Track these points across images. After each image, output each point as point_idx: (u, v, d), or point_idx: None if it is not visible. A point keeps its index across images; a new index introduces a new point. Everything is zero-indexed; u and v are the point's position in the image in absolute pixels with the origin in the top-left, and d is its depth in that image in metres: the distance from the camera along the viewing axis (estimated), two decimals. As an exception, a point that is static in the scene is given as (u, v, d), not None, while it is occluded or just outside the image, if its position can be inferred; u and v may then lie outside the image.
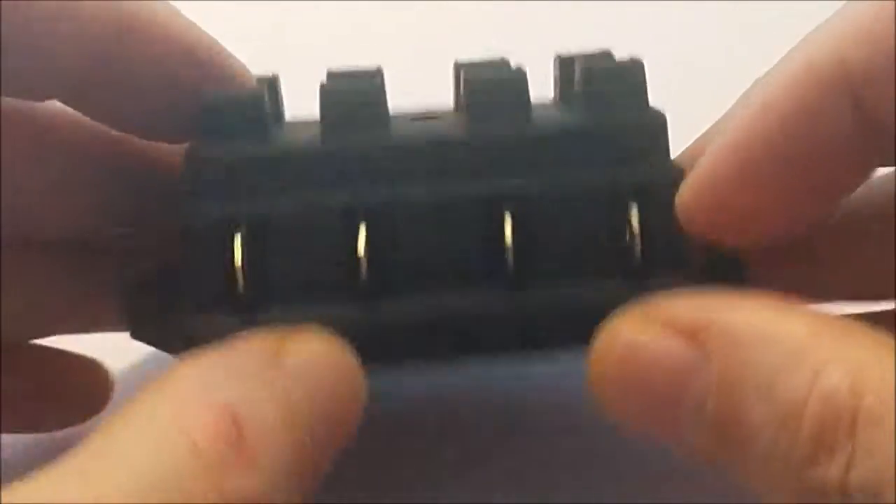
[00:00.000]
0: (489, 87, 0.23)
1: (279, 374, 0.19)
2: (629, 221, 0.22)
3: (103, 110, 0.24)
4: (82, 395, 0.28)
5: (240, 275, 0.22)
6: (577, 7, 0.39)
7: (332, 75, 0.25)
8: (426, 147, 0.23)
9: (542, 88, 0.25)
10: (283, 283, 0.23)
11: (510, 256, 0.22)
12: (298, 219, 0.23)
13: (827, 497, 0.17)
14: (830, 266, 0.25)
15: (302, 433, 0.19)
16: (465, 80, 0.23)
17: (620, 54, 0.24)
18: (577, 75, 0.23)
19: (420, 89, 0.25)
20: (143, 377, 0.27)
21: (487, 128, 0.23)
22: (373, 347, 0.21)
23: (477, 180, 0.23)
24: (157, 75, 0.23)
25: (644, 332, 0.20)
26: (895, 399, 0.17)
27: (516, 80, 0.23)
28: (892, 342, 0.18)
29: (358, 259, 0.22)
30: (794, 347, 0.18)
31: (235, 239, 0.22)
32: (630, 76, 0.23)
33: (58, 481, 0.17)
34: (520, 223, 0.22)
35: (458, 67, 0.25)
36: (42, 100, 0.23)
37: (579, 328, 0.21)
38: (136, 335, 0.26)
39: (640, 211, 0.22)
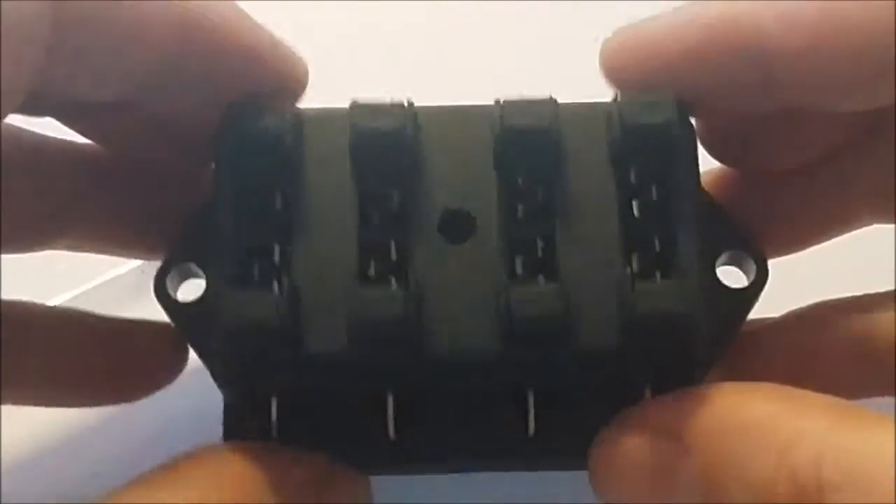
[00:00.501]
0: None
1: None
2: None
3: (164, 111, 0.24)
4: (158, 361, 0.28)
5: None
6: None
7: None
8: (459, 367, 0.23)
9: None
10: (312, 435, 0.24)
11: (531, 427, 0.24)
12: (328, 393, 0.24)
13: None
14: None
15: None
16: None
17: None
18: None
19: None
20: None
21: (524, 351, 0.22)
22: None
23: (505, 381, 0.24)
24: (219, 77, 0.23)
25: (632, 438, 0.22)
26: (858, 463, 0.18)
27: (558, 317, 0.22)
28: (848, 405, 0.20)
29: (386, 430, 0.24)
30: (759, 433, 0.20)
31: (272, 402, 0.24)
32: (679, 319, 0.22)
33: None
34: (541, 406, 0.24)
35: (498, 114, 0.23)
36: (101, 100, 0.23)
37: None
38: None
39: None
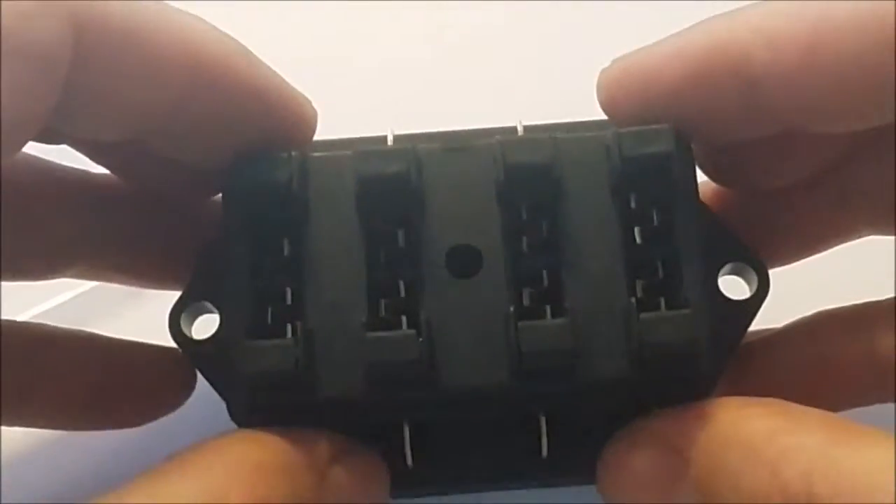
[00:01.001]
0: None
1: (320, 485, 0.22)
2: None
3: (172, 151, 0.24)
4: (166, 386, 0.28)
5: None
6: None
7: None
8: (471, 400, 0.23)
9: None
10: None
11: (545, 449, 0.24)
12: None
13: None
14: None
15: None
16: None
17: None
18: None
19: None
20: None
21: (534, 384, 0.23)
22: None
23: (516, 411, 0.24)
24: (229, 118, 0.23)
25: (635, 451, 0.23)
26: (847, 479, 0.19)
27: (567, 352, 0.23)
28: (844, 422, 0.21)
29: (404, 457, 0.24)
30: (754, 448, 0.21)
31: None
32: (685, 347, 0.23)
33: None
34: (553, 429, 0.24)
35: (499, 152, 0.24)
36: (111, 140, 0.23)
37: None
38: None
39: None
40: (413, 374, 0.23)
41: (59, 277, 0.27)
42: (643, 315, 0.22)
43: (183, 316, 0.25)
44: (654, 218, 0.24)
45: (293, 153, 0.24)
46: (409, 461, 0.24)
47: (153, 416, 0.29)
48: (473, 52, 0.39)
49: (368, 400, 0.23)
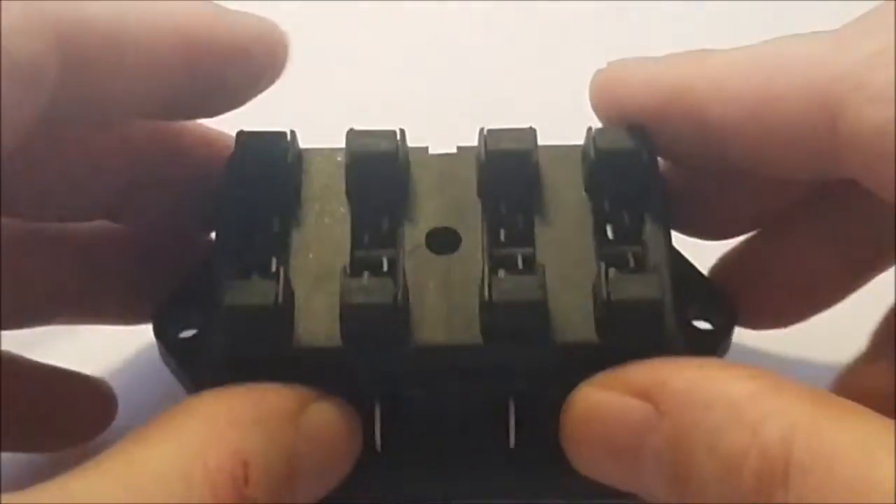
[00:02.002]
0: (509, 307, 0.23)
1: (294, 433, 0.22)
2: None
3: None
4: (86, 415, 0.29)
5: None
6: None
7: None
8: (447, 361, 0.24)
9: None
10: None
11: (512, 440, 0.25)
12: None
13: None
14: None
15: (298, 486, 0.22)
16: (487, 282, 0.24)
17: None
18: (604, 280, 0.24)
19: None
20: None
21: (505, 344, 0.24)
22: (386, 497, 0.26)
23: (487, 382, 0.24)
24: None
25: (605, 394, 0.23)
26: (827, 446, 0.19)
27: (537, 304, 0.23)
28: (824, 395, 0.21)
29: (373, 429, 0.25)
30: (735, 407, 0.20)
31: None
32: (650, 306, 0.23)
33: (98, 482, 0.20)
34: (521, 410, 0.25)
35: (483, 141, 0.26)
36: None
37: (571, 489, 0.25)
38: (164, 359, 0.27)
39: None
40: (387, 323, 0.23)
41: (45, 325, 0.28)
42: (611, 275, 0.23)
43: (168, 318, 0.26)
44: (625, 204, 0.25)
45: (292, 131, 0.26)
46: (378, 445, 0.25)
47: (72, 443, 0.29)
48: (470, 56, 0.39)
49: (342, 355, 0.24)
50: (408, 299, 0.24)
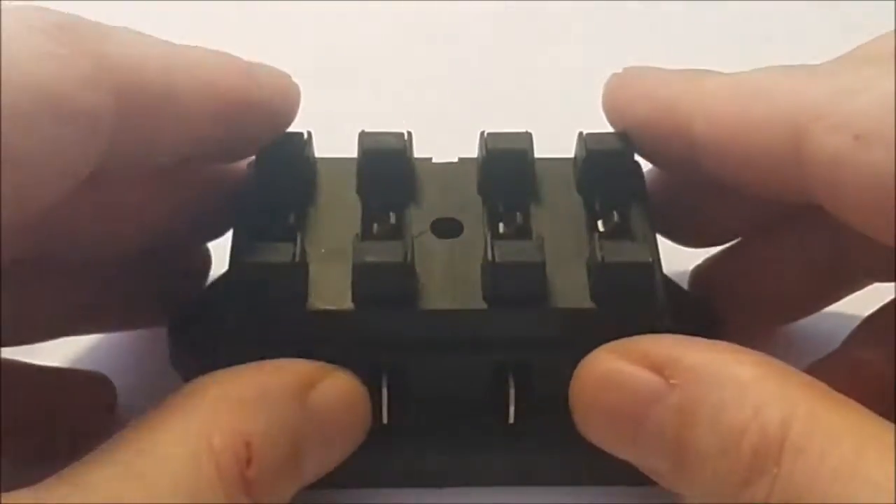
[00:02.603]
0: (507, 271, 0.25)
1: (300, 412, 0.23)
2: None
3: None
4: (89, 410, 0.29)
5: None
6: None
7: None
8: (452, 326, 0.26)
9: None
10: None
11: (511, 415, 0.26)
12: None
13: None
14: None
15: (304, 464, 0.23)
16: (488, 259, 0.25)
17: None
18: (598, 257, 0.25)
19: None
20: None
21: (507, 308, 0.25)
22: (386, 472, 0.27)
23: (488, 351, 0.26)
24: (241, 131, 0.27)
25: (619, 362, 0.24)
26: (822, 433, 0.20)
27: (537, 265, 0.25)
28: (825, 388, 0.22)
29: (380, 403, 0.26)
30: (741, 387, 0.22)
31: None
32: (641, 268, 0.25)
33: (109, 473, 0.20)
34: (520, 385, 0.26)
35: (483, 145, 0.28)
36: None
37: (568, 468, 0.27)
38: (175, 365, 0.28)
39: None
40: (397, 282, 0.25)
41: (55, 339, 0.29)
42: (604, 243, 0.25)
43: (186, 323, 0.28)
44: (614, 204, 0.27)
45: (308, 132, 0.28)
46: (385, 416, 0.26)
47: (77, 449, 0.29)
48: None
49: (354, 317, 0.25)
50: (415, 272, 0.25)
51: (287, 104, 0.27)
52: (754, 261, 0.30)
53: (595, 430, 0.24)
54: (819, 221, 0.28)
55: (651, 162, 0.29)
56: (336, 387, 0.24)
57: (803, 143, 0.24)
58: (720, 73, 0.27)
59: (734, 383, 0.22)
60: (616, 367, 0.24)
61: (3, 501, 0.19)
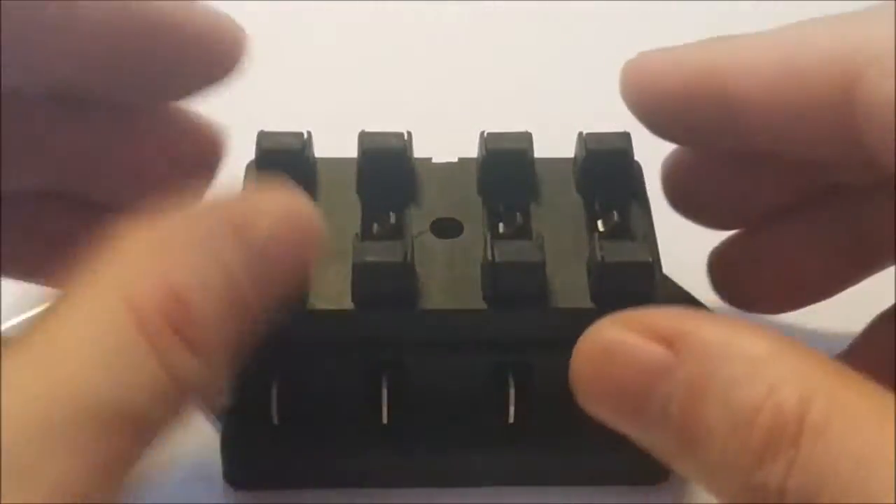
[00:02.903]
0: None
1: (237, 250, 0.20)
2: None
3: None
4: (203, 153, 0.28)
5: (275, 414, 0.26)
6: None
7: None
8: (451, 326, 0.25)
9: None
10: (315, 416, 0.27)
11: (511, 415, 0.26)
12: (328, 374, 0.26)
13: (767, 499, 0.19)
14: None
15: (246, 305, 0.20)
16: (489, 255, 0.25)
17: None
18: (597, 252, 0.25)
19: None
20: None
21: (507, 308, 0.25)
22: (389, 472, 0.27)
23: (488, 351, 0.26)
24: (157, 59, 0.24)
25: (625, 334, 0.22)
26: (842, 414, 0.19)
27: (537, 265, 0.25)
28: (842, 366, 0.20)
29: (380, 403, 0.26)
30: (755, 364, 0.20)
31: (272, 389, 0.26)
32: (641, 268, 0.25)
33: (13, 369, 0.18)
34: (520, 385, 0.26)
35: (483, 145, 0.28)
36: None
37: (568, 468, 0.27)
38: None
39: None
40: (396, 282, 0.25)
41: None
42: (604, 242, 0.25)
43: None
44: (614, 202, 0.27)
45: (308, 132, 0.28)
46: (385, 417, 0.26)
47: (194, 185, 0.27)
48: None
49: (353, 317, 0.25)
50: (414, 272, 0.25)
51: (226, 42, 0.25)
52: (777, 241, 0.29)
53: (597, 403, 0.23)
54: (843, 201, 0.28)
55: (679, 140, 0.28)
56: (269, 213, 0.22)
57: (856, 89, 0.23)
58: (750, 33, 0.26)
59: (747, 359, 0.20)
60: (621, 338, 0.22)
61: None
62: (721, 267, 0.30)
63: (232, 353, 0.20)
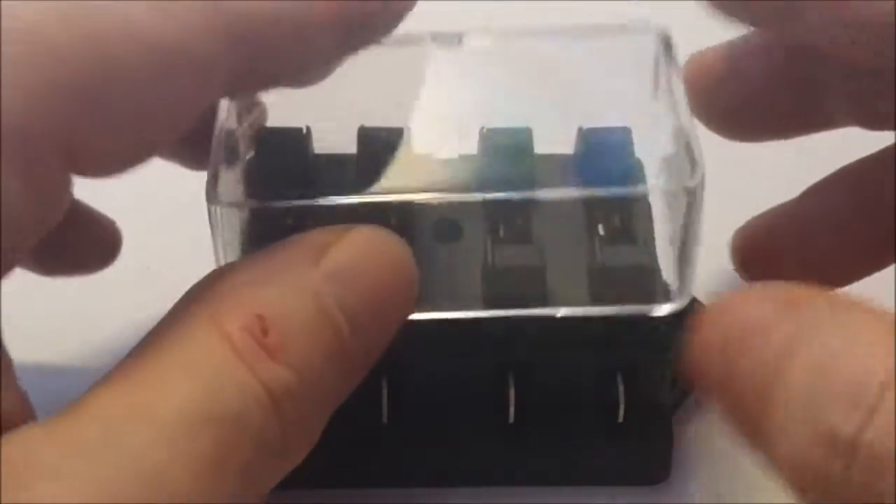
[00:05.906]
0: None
1: (311, 276, 0.22)
2: (617, 390, 0.26)
3: None
4: (96, 246, 0.30)
5: None
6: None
7: None
8: (451, 330, 0.25)
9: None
10: None
11: (511, 413, 0.26)
12: None
13: (835, 449, 0.18)
14: None
15: (335, 328, 0.21)
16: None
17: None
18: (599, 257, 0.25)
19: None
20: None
21: (506, 311, 0.25)
22: (389, 472, 0.27)
23: (488, 354, 0.26)
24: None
25: (752, 301, 0.21)
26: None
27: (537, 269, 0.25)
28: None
29: (380, 403, 0.26)
30: (857, 343, 0.19)
31: None
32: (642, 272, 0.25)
33: (111, 392, 0.20)
34: (520, 385, 0.26)
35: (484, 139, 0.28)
36: None
37: (568, 468, 0.27)
38: None
39: (624, 382, 0.26)
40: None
41: None
42: (605, 246, 0.25)
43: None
44: (613, 193, 0.27)
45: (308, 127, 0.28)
46: (385, 416, 0.26)
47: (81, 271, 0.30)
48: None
49: None
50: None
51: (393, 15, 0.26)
52: (808, 220, 0.29)
53: (719, 378, 0.21)
54: (874, 177, 0.28)
55: (745, 19, 0.26)
56: (350, 246, 0.23)
57: None
58: None
59: (849, 336, 0.19)
60: (747, 308, 0.20)
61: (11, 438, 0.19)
62: (745, 248, 0.30)
63: (330, 362, 0.21)
